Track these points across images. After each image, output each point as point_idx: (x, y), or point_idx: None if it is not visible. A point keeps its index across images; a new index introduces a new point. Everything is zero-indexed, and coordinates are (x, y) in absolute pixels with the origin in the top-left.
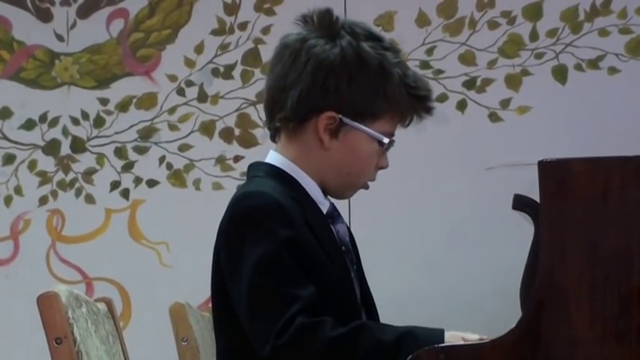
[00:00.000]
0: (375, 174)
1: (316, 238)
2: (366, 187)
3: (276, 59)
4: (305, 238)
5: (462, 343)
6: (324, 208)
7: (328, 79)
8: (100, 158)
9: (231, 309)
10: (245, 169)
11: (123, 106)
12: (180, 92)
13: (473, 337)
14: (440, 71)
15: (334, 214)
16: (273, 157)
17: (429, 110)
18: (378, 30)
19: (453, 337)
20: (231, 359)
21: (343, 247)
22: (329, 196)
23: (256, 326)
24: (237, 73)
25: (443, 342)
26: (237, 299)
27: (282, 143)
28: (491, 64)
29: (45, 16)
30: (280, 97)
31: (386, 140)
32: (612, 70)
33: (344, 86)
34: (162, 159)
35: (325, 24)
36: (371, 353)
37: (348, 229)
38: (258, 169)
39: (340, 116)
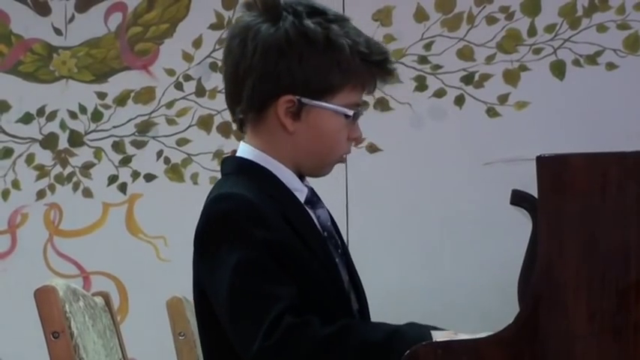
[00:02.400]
0: (349, 146)
1: (296, 232)
2: (343, 161)
3: (226, 51)
4: (283, 236)
5: (458, 338)
6: (302, 195)
7: (278, 63)
8: (98, 152)
9: (213, 315)
10: None
11: (121, 100)
12: (178, 86)
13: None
14: (438, 66)
15: (313, 200)
16: (244, 149)
17: (389, 72)
18: (318, 3)
19: (442, 336)
20: None
21: (325, 233)
22: (307, 180)
23: (240, 328)
24: None
25: (431, 339)
26: (218, 304)
27: (249, 134)
28: (490, 59)
29: (43, 10)
30: (236, 88)
31: (350, 112)
32: (610, 66)
33: (295, 67)
34: (159, 153)
35: (268, 7)
36: (360, 353)
37: (329, 213)
38: (231, 165)
39: (298, 97)
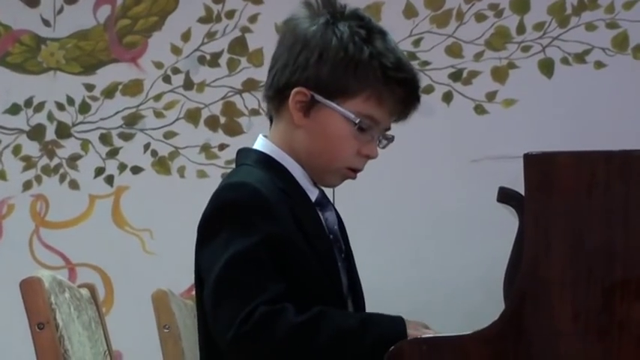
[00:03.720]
0: (360, 162)
1: (301, 229)
2: (352, 177)
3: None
4: (287, 230)
5: (445, 334)
6: (313, 195)
7: (300, 54)
8: (85, 144)
9: None
10: (230, 157)
11: (108, 93)
12: (166, 79)
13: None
14: (426, 63)
15: (323, 202)
16: (262, 143)
17: (411, 94)
18: (365, 14)
19: (413, 325)
20: (210, 351)
21: (331, 236)
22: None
23: (220, 314)
24: (223, 61)
25: (405, 328)
26: (206, 290)
27: (271, 129)
28: (478, 56)
29: (31, 1)
30: (268, 76)
31: (357, 120)
32: (599, 65)
33: (314, 62)
34: (147, 146)
35: (317, 4)
36: (334, 339)
37: (338, 216)
38: (247, 156)
39: (311, 93)
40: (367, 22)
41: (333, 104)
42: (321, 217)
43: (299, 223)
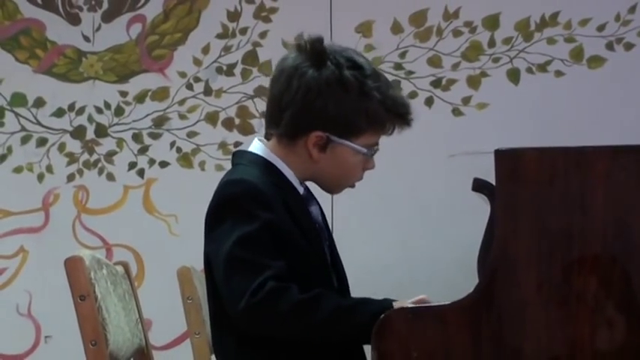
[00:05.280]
0: (362, 174)
1: (293, 219)
2: (353, 186)
3: (274, 80)
4: (283, 220)
5: (428, 304)
6: (300, 191)
7: (316, 102)
8: (120, 142)
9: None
10: None
11: (140, 98)
12: (189, 87)
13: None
14: (411, 72)
15: (308, 197)
16: (258, 147)
17: (407, 123)
18: (359, 59)
19: (399, 304)
20: (214, 332)
21: (317, 225)
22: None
23: (230, 289)
24: (237, 71)
25: (391, 306)
26: (217, 269)
27: (273, 142)
28: (455, 66)
29: (74, 20)
30: (276, 114)
31: (370, 152)
32: (558, 74)
33: (329, 108)
34: (172, 144)
35: (316, 52)
36: (331, 315)
37: (321, 209)
38: (243, 157)
39: (327, 134)
40: (366, 69)
41: (348, 142)
42: (307, 209)
43: (290, 212)
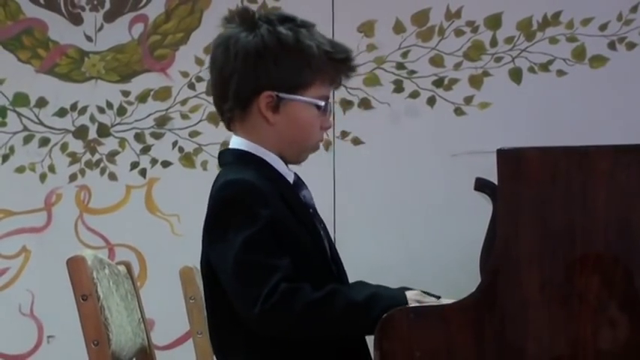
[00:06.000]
0: (322, 134)
1: (290, 209)
2: (317, 148)
3: (212, 59)
4: (281, 212)
5: (428, 304)
6: (290, 178)
7: (257, 64)
8: (122, 142)
9: (219, 286)
10: None
11: (142, 98)
12: (191, 86)
13: (429, 299)
14: (413, 72)
15: (299, 183)
16: (236, 142)
17: (351, 68)
18: (290, 14)
19: (412, 296)
20: (220, 334)
21: (311, 210)
22: (290, 166)
23: (243, 294)
24: None
25: (406, 302)
26: (225, 275)
27: (238, 129)
28: (457, 66)
29: (76, 20)
30: (222, 90)
31: (322, 103)
32: (560, 73)
33: (272, 67)
34: (175, 143)
35: (245, 18)
36: (344, 312)
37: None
38: (228, 156)
39: (276, 93)
40: (297, 20)
41: (298, 97)
42: (300, 195)
43: (287, 204)
